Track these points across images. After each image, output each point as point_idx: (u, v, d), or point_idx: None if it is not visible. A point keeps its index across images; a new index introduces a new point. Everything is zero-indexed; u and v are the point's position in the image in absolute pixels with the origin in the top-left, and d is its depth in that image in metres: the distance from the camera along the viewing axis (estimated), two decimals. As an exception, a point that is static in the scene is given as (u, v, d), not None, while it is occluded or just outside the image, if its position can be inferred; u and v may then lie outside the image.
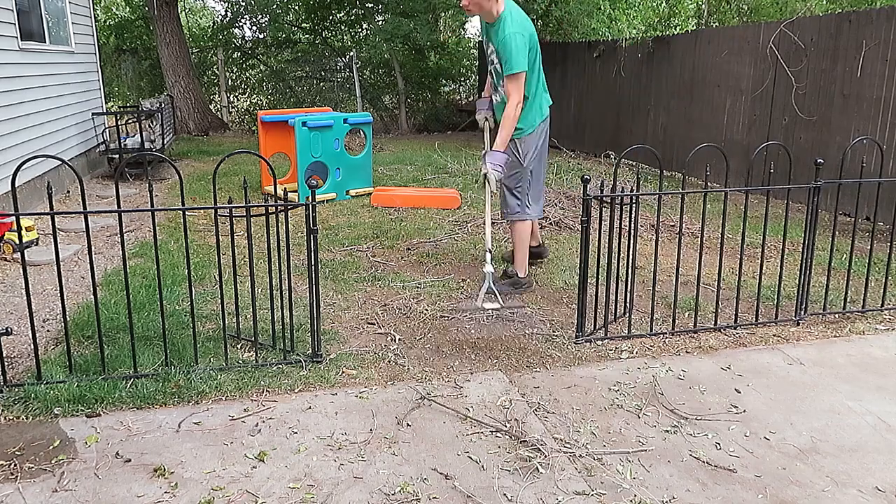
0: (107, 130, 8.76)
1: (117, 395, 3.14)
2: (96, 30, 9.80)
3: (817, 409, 3.16)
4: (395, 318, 4.20)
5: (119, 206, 3.22)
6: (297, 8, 15.91)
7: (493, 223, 5.04)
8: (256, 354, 3.56)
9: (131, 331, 3.34)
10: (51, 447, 2.77)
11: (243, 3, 15.54)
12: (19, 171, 3.12)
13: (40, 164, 6.76)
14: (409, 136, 13.85)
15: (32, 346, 3.29)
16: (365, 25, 15.44)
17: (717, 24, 11.79)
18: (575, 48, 11.34)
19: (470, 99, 16.88)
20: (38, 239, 5.49)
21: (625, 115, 10.13)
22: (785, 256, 4.17)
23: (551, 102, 4.72)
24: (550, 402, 3.19)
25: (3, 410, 3.03)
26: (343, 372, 3.46)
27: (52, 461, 2.68)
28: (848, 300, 4.31)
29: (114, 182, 3.36)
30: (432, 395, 3.22)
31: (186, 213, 3.50)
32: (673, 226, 6.09)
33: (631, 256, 3.87)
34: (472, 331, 4.02)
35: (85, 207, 3.18)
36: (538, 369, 3.55)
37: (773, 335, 3.98)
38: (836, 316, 4.24)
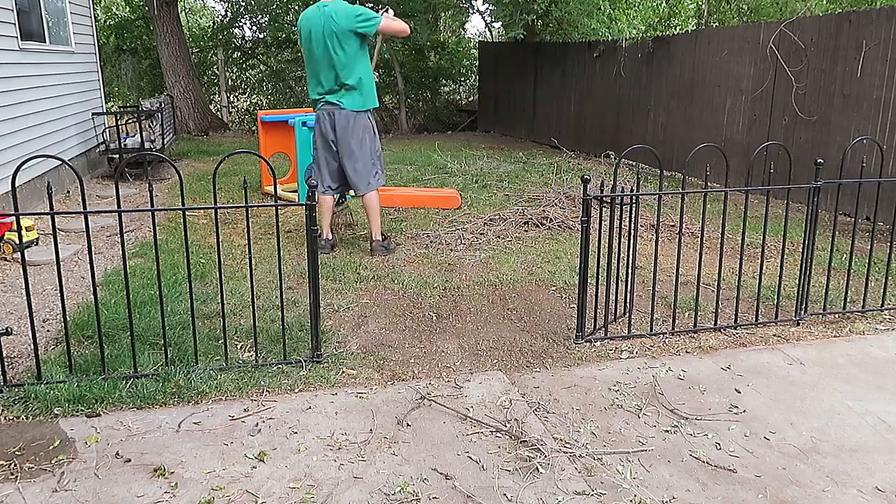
0: (107, 130, 8.75)
1: (117, 395, 3.14)
2: (96, 30, 9.80)
3: (817, 409, 3.16)
4: (395, 317, 4.20)
5: (119, 206, 3.22)
6: (297, 8, 15.90)
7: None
8: (256, 354, 3.56)
9: (131, 331, 3.34)
10: (51, 447, 2.77)
11: (243, 3, 15.55)
12: (19, 171, 3.12)
13: (40, 164, 6.76)
14: (409, 136, 13.85)
15: (32, 346, 3.29)
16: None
17: (717, 24, 11.78)
18: (575, 48, 11.34)
19: (470, 99, 16.89)
20: (38, 239, 5.49)
21: (625, 115, 10.13)
22: (785, 256, 4.17)
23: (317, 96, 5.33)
24: (550, 402, 3.19)
25: (3, 410, 3.03)
26: (343, 372, 3.46)
27: (52, 461, 2.68)
28: (848, 300, 4.31)
29: (114, 182, 3.36)
30: (432, 395, 3.22)
31: (186, 213, 3.49)
32: (673, 226, 6.09)
33: (631, 256, 3.87)
34: (473, 331, 4.02)
35: (85, 207, 3.18)
36: (538, 369, 3.55)
37: (773, 335, 3.98)
38: (836, 316, 4.24)
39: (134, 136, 8.74)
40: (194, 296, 3.50)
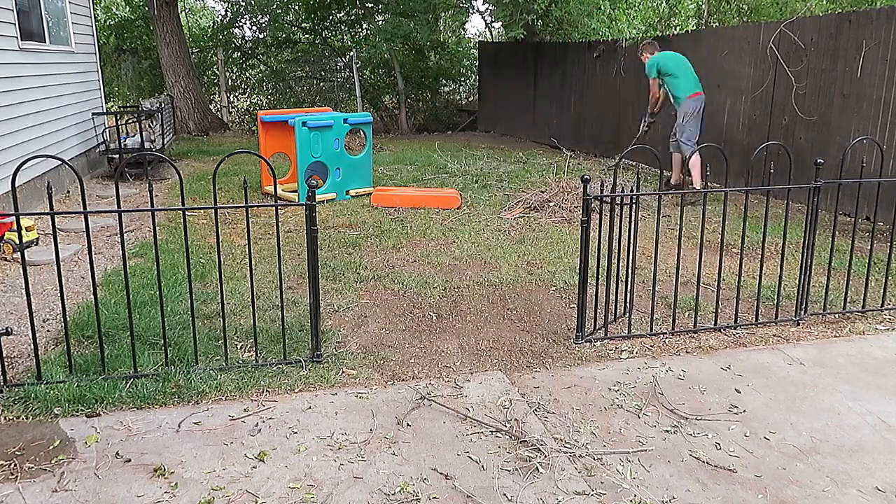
0: (107, 130, 8.75)
1: (117, 395, 3.14)
2: (96, 30, 9.79)
3: (817, 409, 3.16)
4: (395, 317, 4.20)
5: (119, 206, 3.22)
6: (297, 8, 15.91)
7: None
8: (256, 354, 3.56)
9: (131, 331, 3.34)
10: (51, 447, 2.77)
11: (243, 3, 15.54)
12: (19, 171, 3.12)
13: (40, 164, 6.76)
14: (409, 136, 13.84)
15: (32, 346, 3.29)
16: (365, 25, 15.44)
17: (717, 24, 11.79)
18: (575, 48, 11.33)
19: (470, 99, 16.86)
20: (38, 239, 5.49)
21: (625, 115, 10.12)
22: (785, 256, 4.17)
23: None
24: (550, 402, 3.19)
25: (3, 410, 3.03)
26: (343, 372, 3.46)
27: (52, 461, 2.68)
28: (848, 300, 4.31)
29: (114, 182, 3.36)
30: (432, 395, 3.22)
31: (186, 213, 3.49)
32: (673, 227, 6.08)
33: (631, 256, 3.87)
34: (473, 331, 4.02)
35: (85, 207, 3.18)
36: (538, 369, 3.55)
37: (773, 335, 3.98)
38: (836, 316, 4.24)
39: (134, 136, 8.75)
40: (194, 296, 3.50)
